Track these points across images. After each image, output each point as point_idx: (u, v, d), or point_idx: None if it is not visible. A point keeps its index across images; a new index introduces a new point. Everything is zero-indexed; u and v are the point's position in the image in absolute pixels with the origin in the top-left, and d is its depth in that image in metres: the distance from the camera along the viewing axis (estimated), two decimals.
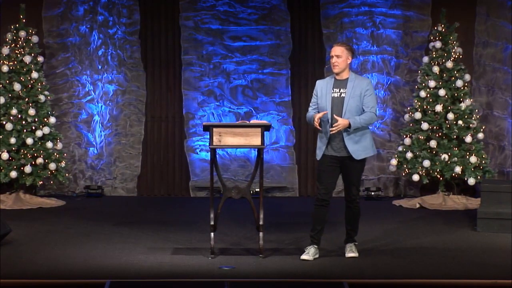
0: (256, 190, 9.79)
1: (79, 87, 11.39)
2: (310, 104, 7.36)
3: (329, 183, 7.24)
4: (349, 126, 7.08)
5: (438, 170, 10.50)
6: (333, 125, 7.07)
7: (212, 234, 7.40)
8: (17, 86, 10.46)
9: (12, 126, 10.39)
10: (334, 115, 7.09)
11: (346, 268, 6.96)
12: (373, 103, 7.21)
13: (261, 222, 7.39)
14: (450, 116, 10.50)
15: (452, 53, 10.71)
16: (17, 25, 10.71)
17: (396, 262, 7.21)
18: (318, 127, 7.12)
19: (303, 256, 7.25)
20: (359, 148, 7.19)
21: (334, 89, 7.21)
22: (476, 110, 10.82)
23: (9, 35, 10.69)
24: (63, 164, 10.66)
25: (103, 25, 11.38)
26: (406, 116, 10.91)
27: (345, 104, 7.14)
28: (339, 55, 7.19)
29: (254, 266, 7.00)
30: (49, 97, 10.78)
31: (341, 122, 7.05)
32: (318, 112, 7.22)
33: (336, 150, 7.19)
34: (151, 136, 11.49)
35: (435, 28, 10.90)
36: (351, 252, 7.35)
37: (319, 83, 7.33)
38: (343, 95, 7.17)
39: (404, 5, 11.35)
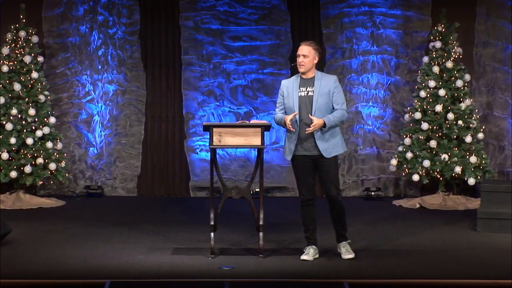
0: (256, 190, 9.79)
1: (79, 87, 11.39)
2: (277, 105, 7.32)
3: (309, 182, 7.25)
4: (324, 125, 7.06)
5: (438, 170, 10.50)
6: (310, 125, 7.03)
7: (212, 234, 7.40)
8: (17, 86, 10.47)
9: (12, 126, 10.39)
10: (310, 116, 7.05)
11: (346, 268, 6.96)
12: (343, 100, 7.21)
13: (261, 222, 7.39)
14: (450, 116, 10.50)
15: (452, 53, 10.71)
16: (17, 25, 10.71)
17: (396, 262, 7.21)
18: (292, 129, 7.10)
19: (303, 257, 7.24)
20: (330, 146, 7.15)
21: (301, 88, 7.18)
22: (476, 110, 10.82)
23: (9, 35, 10.69)
24: (63, 164, 10.66)
25: (103, 25, 11.38)
26: (406, 116, 10.91)
27: (314, 102, 7.10)
28: (306, 55, 7.19)
29: (254, 266, 7.00)
30: (49, 97, 10.78)
31: (317, 122, 7.02)
32: (285, 112, 7.21)
33: (307, 149, 7.16)
34: (151, 136, 11.49)
35: (435, 28, 10.90)
36: (347, 254, 7.33)
37: (284, 83, 7.30)
38: (310, 93, 7.14)
39: (404, 5, 11.35)
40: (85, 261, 7.15)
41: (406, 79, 11.37)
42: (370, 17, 11.35)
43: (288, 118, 7.07)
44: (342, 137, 7.30)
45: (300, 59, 7.18)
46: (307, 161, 7.19)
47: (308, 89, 7.15)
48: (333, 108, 7.15)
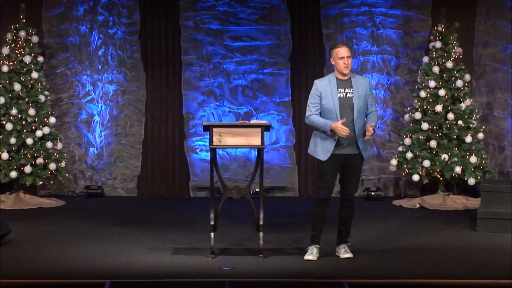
0: (256, 190, 9.79)
1: (79, 87, 11.39)
2: (311, 105, 7.21)
3: (332, 183, 7.24)
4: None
5: (438, 170, 10.50)
6: (368, 135, 7.08)
7: (212, 234, 7.40)
8: (17, 86, 10.47)
9: (12, 126, 10.39)
10: (369, 126, 7.09)
11: (346, 268, 6.96)
12: (375, 101, 7.39)
13: (261, 222, 7.39)
14: (450, 116, 10.50)
15: (452, 53, 10.71)
16: (17, 25, 10.71)
17: (396, 262, 7.21)
18: (346, 133, 7.03)
19: (307, 257, 7.23)
20: (365, 146, 7.24)
21: (339, 89, 7.18)
22: (476, 110, 10.82)
23: (9, 35, 10.69)
24: (63, 164, 10.66)
25: (103, 25, 11.38)
26: (406, 116, 10.91)
27: (355, 104, 7.14)
28: (349, 56, 7.22)
29: (254, 266, 7.00)
30: (49, 97, 10.78)
31: (371, 130, 7.09)
32: (321, 113, 7.19)
33: (345, 148, 7.16)
34: (151, 136, 11.49)
35: (435, 28, 10.90)
36: (346, 253, 7.34)
37: (319, 84, 7.25)
38: (349, 95, 7.17)
39: (404, 5, 11.35)
40: (85, 261, 7.15)
41: (406, 79, 11.37)
42: (370, 17, 11.35)
43: (339, 125, 7.01)
44: None
45: (345, 61, 7.16)
46: (339, 160, 7.18)
47: (347, 90, 7.18)
48: (367, 109, 7.26)
